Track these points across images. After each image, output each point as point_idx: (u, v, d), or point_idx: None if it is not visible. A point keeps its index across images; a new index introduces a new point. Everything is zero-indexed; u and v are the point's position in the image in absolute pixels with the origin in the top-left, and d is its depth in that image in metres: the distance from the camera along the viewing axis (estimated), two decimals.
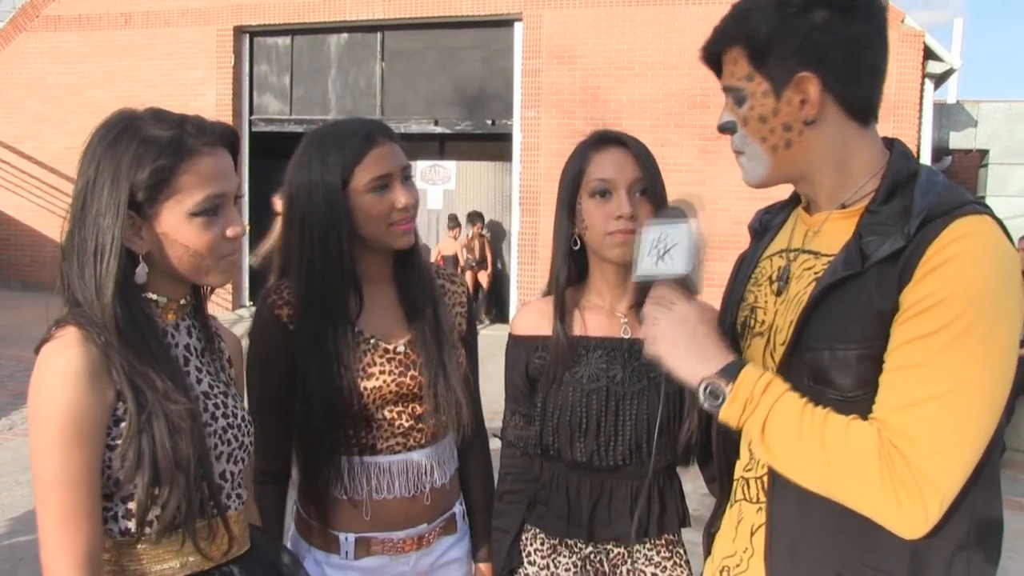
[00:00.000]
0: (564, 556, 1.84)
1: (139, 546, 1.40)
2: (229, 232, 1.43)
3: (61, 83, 12.94)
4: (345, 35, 12.32)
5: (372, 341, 1.82)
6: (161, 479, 1.35)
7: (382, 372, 1.81)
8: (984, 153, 12.23)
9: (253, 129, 12.76)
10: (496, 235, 12.42)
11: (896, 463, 1.16)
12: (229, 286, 12.62)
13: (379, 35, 12.11)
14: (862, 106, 1.32)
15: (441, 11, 11.44)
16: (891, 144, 1.38)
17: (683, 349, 1.32)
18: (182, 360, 1.48)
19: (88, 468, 1.31)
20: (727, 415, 1.28)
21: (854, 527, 1.25)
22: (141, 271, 1.40)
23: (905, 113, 9.72)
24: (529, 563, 1.87)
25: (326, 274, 1.76)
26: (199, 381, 1.49)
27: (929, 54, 9.86)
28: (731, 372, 1.27)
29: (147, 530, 1.38)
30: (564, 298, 1.86)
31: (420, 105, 11.95)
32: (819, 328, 1.29)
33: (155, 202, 1.37)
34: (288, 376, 1.78)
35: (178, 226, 1.39)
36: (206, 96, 12.47)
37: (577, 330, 1.85)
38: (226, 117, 12.38)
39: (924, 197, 1.25)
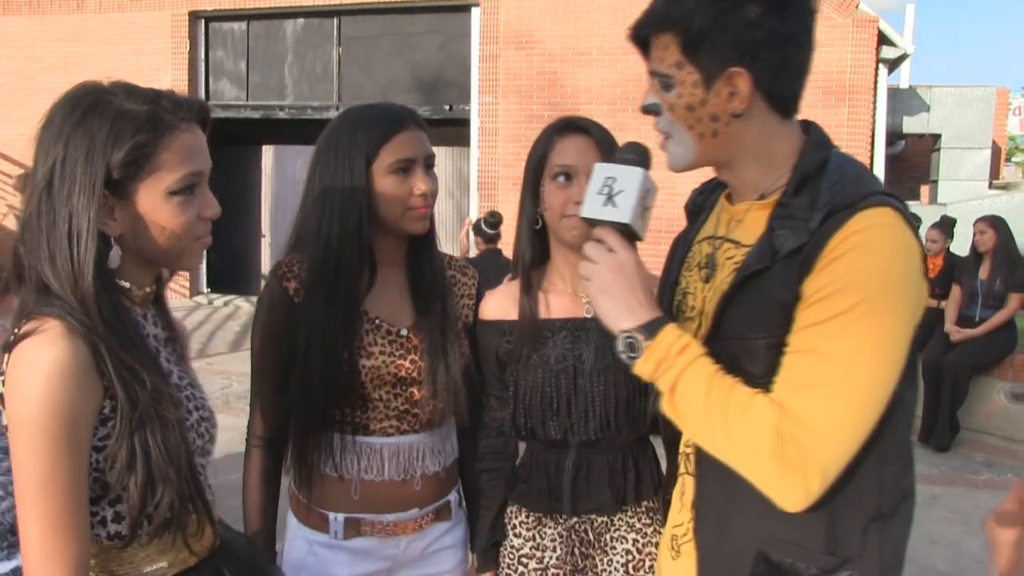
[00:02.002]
0: (549, 528, 1.90)
1: (128, 549, 1.34)
2: (207, 213, 1.38)
3: (11, 68, 12.70)
4: (301, 20, 12.20)
5: (376, 321, 1.85)
6: (155, 479, 1.29)
7: (382, 353, 1.83)
8: (936, 137, 12.43)
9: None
10: (455, 220, 12.43)
11: (788, 445, 1.20)
12: (187, 273, 12.52)
13: (335, 20, 12.01)
14: (787, 102, 1.34)
15: None
16: (807, 130, 1.40)
17: (613, 295, 1.32)
18: (154, 351, 1.42)
19: (80, 472, 1.24)
20: (640, 369, 1.31)
21: (775, 506, 1.29)
22: (115, 254, 1.33)
23: (860, 98, 9.84)
24: (515, 535, 1.92)
25: (341, 250, 1.79)
26: (170, 373, 1.43)
27: (883, 39, 9.98)
28: (652, 329, 1.29)
29: (139, 531, 1.32)
30: (531, 278, 1.92)
31: (377, 91, 11.87)
32: (734, 318, 1.33)
33: (132, 180, 1.30)
34: (290, 348, 1.80)
35: (156, 205, 1.32)
36: (161, 82, 12.21)
37: (542, 312, 1.90)
38: None
39: (830, 190, 1.27)
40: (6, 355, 1.25)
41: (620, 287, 1.32)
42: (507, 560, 1.92)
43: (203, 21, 12.51)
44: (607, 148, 1.82)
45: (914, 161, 14.11)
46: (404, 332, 1.87)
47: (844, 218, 1.23)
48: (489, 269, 5.97)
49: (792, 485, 1.21)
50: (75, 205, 1.26)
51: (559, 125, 1.89)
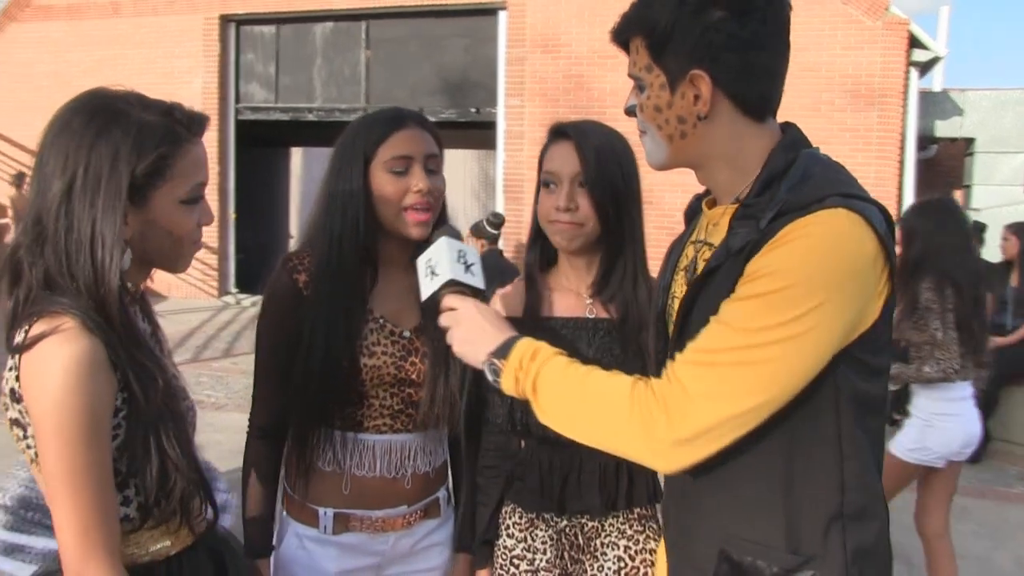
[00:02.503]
0: (540, 530, 1.91)
1: (136, 532, 1.41)
2: (205, 220, 1.47)
3: (50, 71, 12.89)
4: (330, 24, 12.30)
5: (380, 321, 1.86)
6: (168, 468, 1.37)
7: (384, 353, 1.84)
8: (970, 142, 12.23)
9: (239, 117, 12.77)
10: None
11: (644, 395, 1.26)
12: (216, 273, 12.63)
13: (364, 24, 12.09)
14: (756, 104, 1.34)
15: (426, 0, 11.43)
16: (786, 131, 1.41)
17: (470, 341, 1.44)
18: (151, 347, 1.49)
19: (105, 460, 1.30)
20: (506, 387, 1.39)
21: (735, 505, 1.33)
22: (127, 257, 1.39)
23: (890, 102, 9.72)
24: (508, 536, 1.94)
25: (342, 248, 1.81)
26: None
27: (914, 42, 9.85)
28: (504, 349, 1.39)
29: (152, 515, 1.40)
30: (535, 278, 1.96)
31: (404, 94, 11.92)
32: (692, 320, 1.35)
33: (150, 188, 1.37)
34: (295, 340, 1.82)
35: (167, 212, 1.40)
36: (192, 84, 12.44)
37: (545, 311, 1.93)
38: (212, 105, 12.36)
39: (788, 190, 1.27)
40: (18, 355, 1.29)
41: (471, 331, 1.44)
42: (499, 560, 1.94)
43: (234, 24, 12.65)
44: (587, 153, 1.82)
45: (947, 166, 13.93)
46: (407, 334, 1.88)
47: (793, 218, 1.23)
48: (491, 268, 6.10)
49: (653, 431, 1.24)
50: (99, 211, 1.32)
51: (550, 132, 1.92)
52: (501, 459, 1.97)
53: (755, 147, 1.35)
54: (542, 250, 1.98)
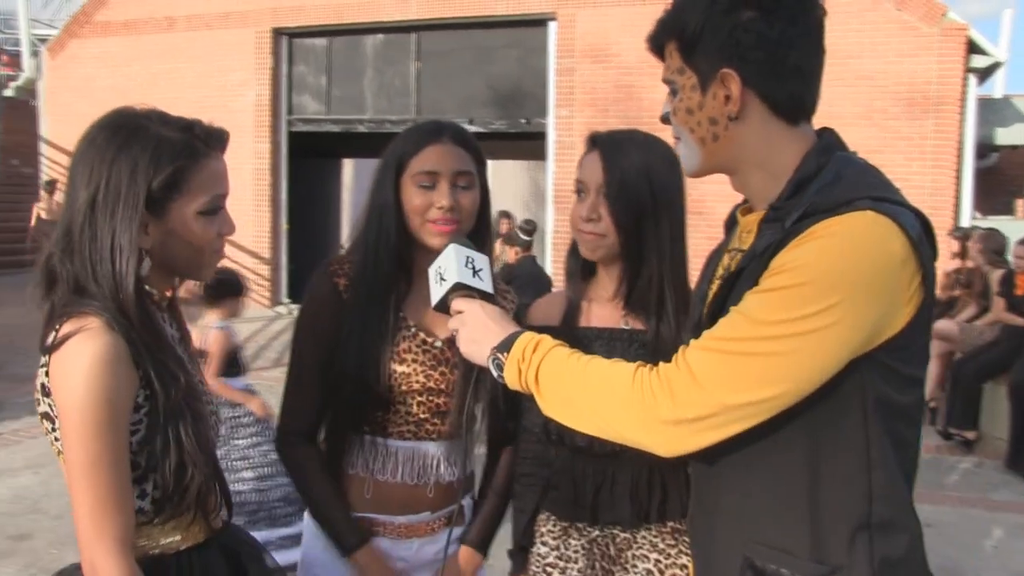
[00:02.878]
0: (574, 539, 1.92)
1: (149, 525, 1.47)
2: (226, 230, 1.54)
3: (109, 85, 13.20)
4: (381, 36, 12.44)
5: (413, 329, 1.88)
6: (186, 463, 1.43)
7: (415, 360, 1.86)
8: None
9: (291, 129, 12.95)
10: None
11: (646, 377, 1.26)
12: (268, 284, 12.80)
13: (414, 35, 12.21)
14: (788, 105, 1.33)
15: (475, 11, 11.50)
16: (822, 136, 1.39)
17: (475, 339, 1.46)
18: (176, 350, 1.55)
19: (122, 452, 1.37)
20: (509, 379, 1.40)
21: (758, 510, 1.31)
22: (146, 265, 1.46)
23: (946, 109, 9.54)
24: (542, 543, 1.95)
25: (378, 252, 1.84)
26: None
27: (973, 48, 9.66)
28: (507, 343, 1.41)
29: (166, 508, 1.47)
30: (575, 287, 1.97)
31: (455, 105, 12.00)
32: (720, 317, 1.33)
33: (168, 200, 1.44)
34: (333, 343, 1.84)
35: (186, 223, 1.47)
36: (246, 97, 12.66)
37: (582, 320, 1.93)
38: (265, 117, 12.56)
39: (817, 192, 1.26)
40: (49, 354, 1.38)
41: (476, 330, 1.46)
42: (533, 568, 1.95)
43: (286, 37, 12.85)
44: (611, 163, 1.82)
45: (1009, 174, 13.64)
46: (439, 344, 1.89)
47: (819, 219, 1.21)
48: (525, 275, 6.16)
49: (652, 408, 1.24)
50: (118, 222, 1.40)
51: (586, 139, 1.93)
52: (538, 467, 1.97)
53: (788, 151, 1.34)
54: (585, 259, 1.96)
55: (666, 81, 1.40)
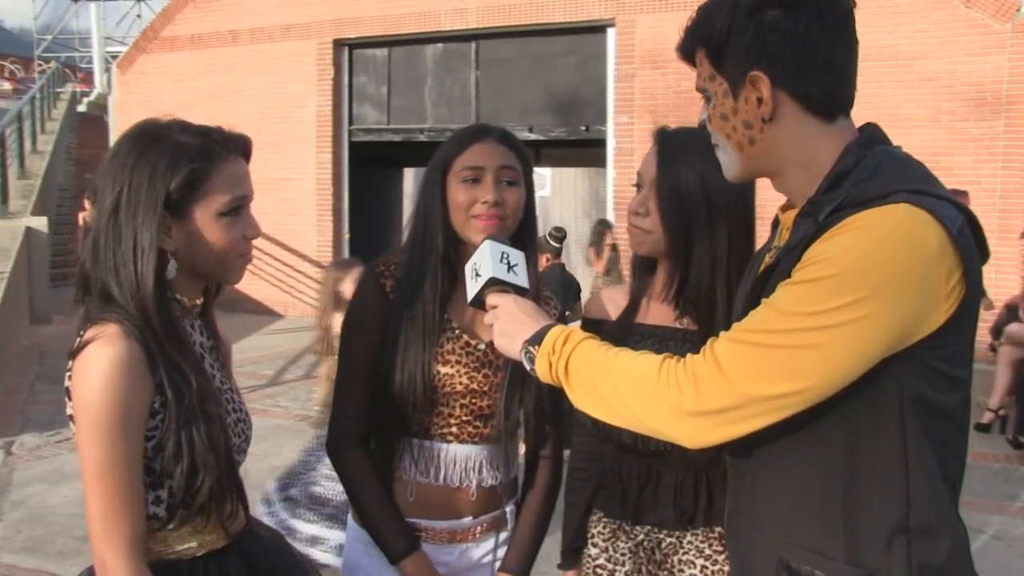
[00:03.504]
0: (622, 541, 1.92)
1: (164, 530, 1.51)
2: (248, 233, 1.57)
3: (175, 99, 13.50)
4: (440, 45, 12.54)
5: (456, 331, 1.87)
6: (198, 467, 1.46)
7: (458, 362, 1.86)
8: None
9: (352, 139, 13.11)
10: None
11: (673, 368, 1.25)
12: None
13: (473, 44, 12.29)
14: (822, 102, 1.30)
15: (534, 19, 11.52)
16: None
17: (508, 333, 1.48)
18: (199, 356, 1.58)
19: (135, 457, 1.41)
20: (540, 372, 1.41)
21: (793, 511, 1.30)
22: (171, 267, 1.51)
23: (1018, 109, 9.24)
24: (592, 544, 1.96)
25: (424, 251, 1.85)
26: (213, 377, 1.59)
27: None
28: (538, 336, 1.42)
29: (179, 512, 1.50)
30: (639, 282, 1.96)
31: (514, 112, 12.05)
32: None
33: (188, 202, 1.49)
34: (380, 343, 1.85)
35: (207, 225, 1.51)
36: (307, 108, 12.86)
37: (639, 317, 1.93)
38: (326, 128, 12.75)
39: (853, 186, 1.24)
40: (72, 359, 1.43)
41: (508, 324, 1.48)
42: (584, 569, 1.96)
43: (347, 48, 13.03)
44: (666, 161, 1.82)
45: None
46: (483, 346, 1.88)
47: (853, 211, 1.19)
48: (554, 281, 6.16)
49: (676, 397, 1.23)
50: (139, 223, 1.46)
51: (653, 133, 1.94)
52: (591, 462, 1.97)
53: (827, 148, 1.31)
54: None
55: (699, 89, 1.40)
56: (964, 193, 6.87)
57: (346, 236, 13.16)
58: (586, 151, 12.15)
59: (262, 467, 5.72)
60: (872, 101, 9.48)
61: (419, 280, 1.84)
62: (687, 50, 1.40)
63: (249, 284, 13.37)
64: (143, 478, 1.44)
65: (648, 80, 10.83)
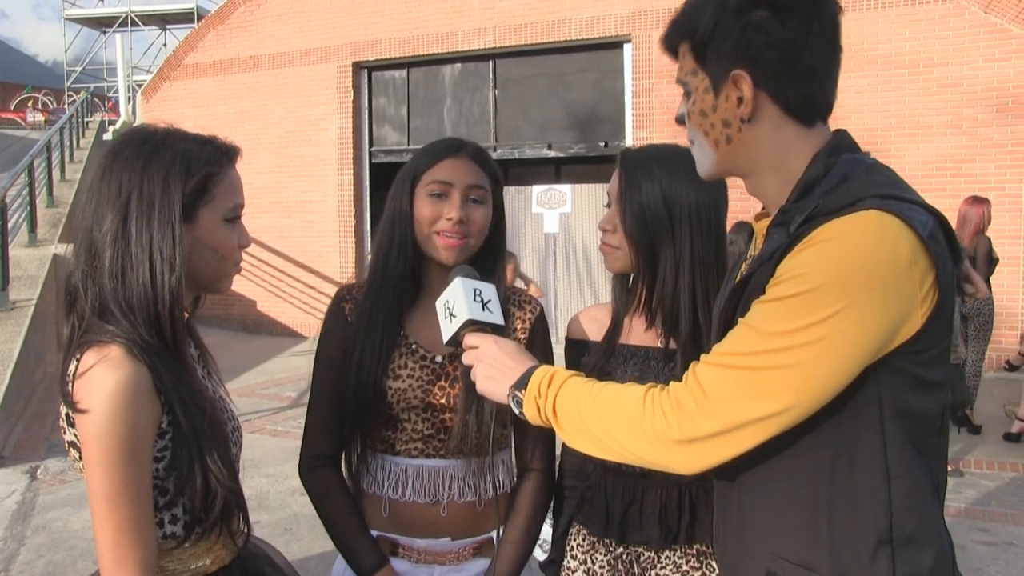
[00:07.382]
0: (600, 554, 1.94)
1: (179, 549, 1.48)
2: (242, 241, 1.57)
3: (198, 125, 13.15)
4: (458, 65, 12.61)
5: (413, 345, 1.87)
6: (211, 486, 1.44)
7: (410, 376, 1.84)
8: None
9: (373, 160, 13.19)
10: None
11: (657, 397, 1.26)
12: None
13: (491, 63, 12.35)
14: (802, 107, 1.30)
15: (551, 37, 11.57)
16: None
17: (492, 377, 1.48)
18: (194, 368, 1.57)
19: (145, 483, 1.37)
20: (529, 416, 1.41)
21: (779, 524, 1.29)
22: (175, 276, 1.48)
23: None
24: (571, 557, 1.98)
25: (388, 261, 1.85)
26: (206, 388, 1.57)
27: None
28: (523, 380, 1.42)
29: (195, 531, 1.48)
30: (620, 301, 1.96)
31: (533, 130, 12.08)
32: (727, 333, 1.31)
33: (198, 205, 1.48)
34: (343, 366, 1.86)
35: (213, 228, 1.50)
36: (328, 131, 12.95)
37: (623, 337, 1.93)
38: (347, 150, 12.83)
39: (823, 195, 1.23)
40: (71, 384, 1.38)
41: (491, 368, 1.48)
42: None
43: (366, 71, 13.13)
44: (625, 175, 1.85)
45: None
46: (440, 359, 1.87)
47: (823, 221, 1.18)
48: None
49: (662, 424, 1.23)
50: (155, 228, 1.42)
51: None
52: (577, 480, 1.98)
53: (803, 153, 1.31)
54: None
55: (680, 83, 1.39)
56: (985, 200, 6.81)
57: (368, 256, 13.20)
58: (606, 167, 12.08)
59: (283, 489, 5.75)
60: (892, 109, 9.44)
61: (377, 298, 1.85)
62: (671, 43, 1.39)
63: (273, 306, 13.44)
64: (157, 499, 1.42)
65: (666, 94, 10.83)
